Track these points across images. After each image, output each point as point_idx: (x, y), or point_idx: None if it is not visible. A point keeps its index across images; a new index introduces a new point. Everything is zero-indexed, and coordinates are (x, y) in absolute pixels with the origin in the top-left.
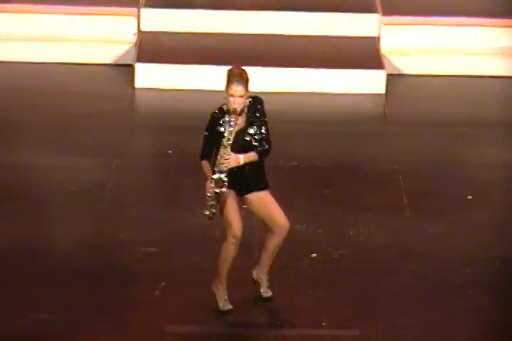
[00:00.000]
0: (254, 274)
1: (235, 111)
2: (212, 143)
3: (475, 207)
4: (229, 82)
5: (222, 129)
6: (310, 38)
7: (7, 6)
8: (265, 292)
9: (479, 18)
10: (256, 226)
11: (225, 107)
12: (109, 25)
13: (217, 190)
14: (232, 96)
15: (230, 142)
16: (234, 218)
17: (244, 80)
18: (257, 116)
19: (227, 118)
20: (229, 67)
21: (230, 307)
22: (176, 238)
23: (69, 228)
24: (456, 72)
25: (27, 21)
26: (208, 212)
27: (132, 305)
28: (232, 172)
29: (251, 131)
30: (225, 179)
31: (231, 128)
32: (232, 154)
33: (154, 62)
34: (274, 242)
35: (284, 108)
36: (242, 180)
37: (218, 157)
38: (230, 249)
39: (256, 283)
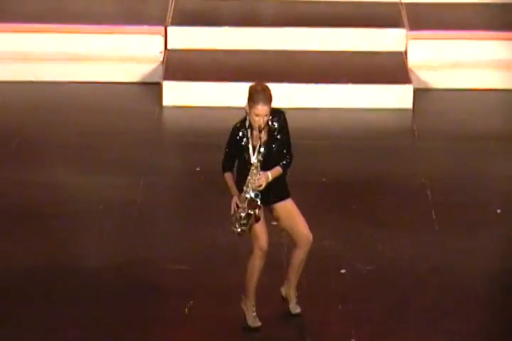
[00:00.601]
0: (283, 291)
1: (260, 128)
2: (234, 156)
3: (504, 221)
4: (253, 101)
5: (244, 143)
6: (337, 53)
7: (33, 25)
8: (294, 308)
9: (506, 32)
10: (284, 243)
11: (247, 123)
12: (136, 44)
13: (250, 212)
14: (257, 115)
15: (259, 164)
16: (261, 231)
17: (269, 98)
18: (280, 130)
19: (248, 134)
20: (251, 84)
21: (259, 323)
22: (205, 255)
23: (98, 246)
24: (484, 86)
25: (54, 41)
26: (239, 229)
27: (161, 323)
28: None
29: (274, 145)
30: (258, 201)
31: (261, 149)
32: (262, 173)
33: (181, 79)
34: (298, 256)
35: (311, 124)
36: (266, 191)
37: (249, 177)
38: (256, 262)
39: (285, 300)
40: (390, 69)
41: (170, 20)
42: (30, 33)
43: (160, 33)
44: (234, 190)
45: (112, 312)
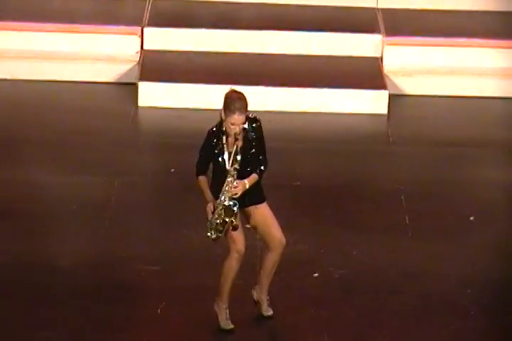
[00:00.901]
0: (255, 294)
1: (235, 136)
2: (208, 160)
3: (477, 228)
4: (229, 110)
5: (219, 148)
6: (313, 57)
7: (9, 23)
8: (266, 310)
9: (482, 39)
10: (258, 246)
11: (222, 128)
12: (113, 44)
13: (226, 219)
14: (233, 124)
15: (235, 172)
16: (238, 234)
17: (245, 107)
18: (255, 137)
19: (224, 140)
20: (226, 90)
21: (231, 326)
22: (179, 256)
23: (71, 246)
24: (459, 93)
25: (30, 39)
26: (214, 236)
27: (134, 324)
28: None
29: (250, 152)
30: (236, 209)
31: (238, 157)
32: (238, 182)
33: (157, 80)
34: (270, 259)
35: (286, 127)
36: (242, 195)
37: (225, 185)
38: (232, 264)
39: (257, 304)
40: (366, 74)
41: (147, 21)
42: (7, 31)
43: (136, 34)
44: (208, 195)
45: (84, 312)
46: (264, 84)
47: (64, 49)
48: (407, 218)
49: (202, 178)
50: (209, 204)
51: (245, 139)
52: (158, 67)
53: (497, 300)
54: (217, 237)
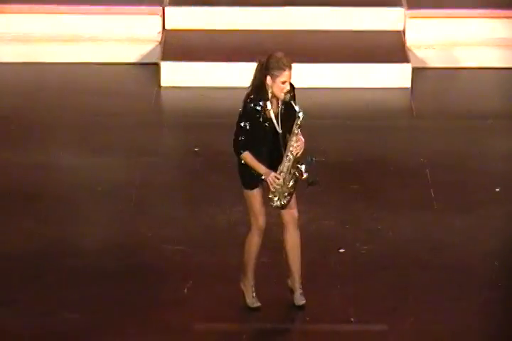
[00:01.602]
0: (289, 282)
1: (286, 95)
2: (251, 134)
3: (503, 200)
4: (279, 68)
5: (264, 115)
6: (335, 33)
7: (32, 6)
8: (298, 299)
9: (504, 10)
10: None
11: (262, 95)
12: (134, 24)
13: (302, 174)
14: (284, 82)
15: (299, 129)
16: (260, 210)
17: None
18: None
19: (268, 106)
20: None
21: (258, 304)
22: (204, 236)
23: (96, 227)
24: (482, 65)
25: (51, 22)
26: (284, 202)
27: (160, 304)
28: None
29: (290, 113)
30: (302, 166)
31: (300, 114)
32: (301, 138)
33: (179, 60)
34: (288, 238)
35: (310, 103)
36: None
37: (289, 147)
38: (254, 240)
39: (291, 291)
40: (389, 48)
41: (168, 0)
42: (29, 14)
43: (158, 13)
44: (262, 167)
45: (111, 294)
46: None
47: (85, 31)
48: (432, 191)
49: (248, 153)
50: (272, 174)
51: (283, 102)
52: (180, 46)
53: None
54: (287, 202)
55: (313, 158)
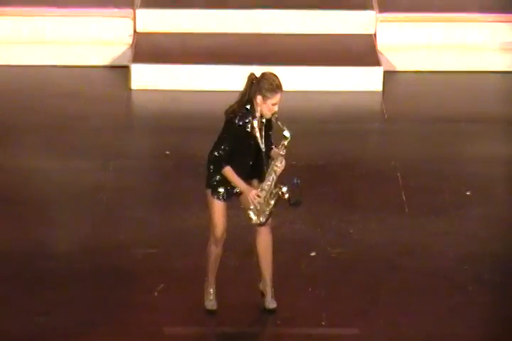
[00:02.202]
0: (260, 286)
1: (274, 115)
2: (232, 149)
3: (474, 203)
4: (271, 90)
5: (251, 132)
6: (306, 36)
7: (2, 9)
8: (269, 303)
9: (474, 14)
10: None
11: (249, 112)
12: (105, 27)
13: (284, 194)
14: (275, 104)
15: (285, 149)
16: (219, 220)
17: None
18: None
19: (254, 124)
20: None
21: (214, 307)
22: (175, 239)
23: (67, 230)
24: (453, 68)
25: (21, 24)
26: (263, 220)
27: (131, 306)
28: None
29: (270, 131)
30: (283, 187)
31: (287, 133)
32: (282, 160)
33: (150, 62)
34: (260, 242)
35: (281, 106)
36: (246, 172)
37: (273, 166)
38: (210, 249)
39: (262, 295)
40: (360, 51)
41: (139, 3)
42: None
43: (129, 16)
44: (243, 183)
45: (82, 297)
46: (257, 63)
47: (55, 33)
48: (403, 195)
49: (229, 168)
50: (253, 192)
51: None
52: (152, 49)
53: (495, 275)
54: (266, 220)
55: (298, 181)
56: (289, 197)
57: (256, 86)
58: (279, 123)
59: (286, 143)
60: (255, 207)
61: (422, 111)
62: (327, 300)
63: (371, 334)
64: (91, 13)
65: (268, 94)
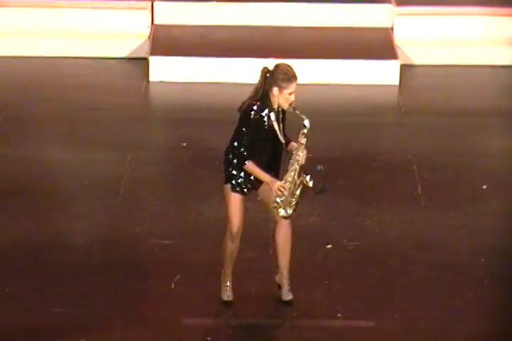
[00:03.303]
0: (277, 278)
1: (291, 105)
2: (253, 143)
3: (490, 197)
4: (287, 80)
5: (269, 125)
6: (323, 29)
7: (23, 0)
8: (285, 295)
9: (493, 8)
10: (270, 219)
11: (266, 104)
12: (123, 19)
13: (308, 183)
14: (291, 93)
15: (305, 139)
16: (235, 215)
17: None
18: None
19: (272, 117)
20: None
21: (231, 298)
22: (191, 230)
23: (84, 222)
24: (470, 62)
25: (41, 16)
26: (290, 211)
27: (148, 298)
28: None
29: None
30: (307, 176)
31: (306, 123)
32: (304, 149)
33: (168, 55)
34: (279, 234)
35: (297, 99)
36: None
37: (296, 157)
38: (227, 244)
39: (279, 287)
40: (377, 45)
41: None
42: (17, 8)
43: (147, 8)
44: (267, 176)
45: (98, 289)
46: (274, 56)
47: (74, 25)
48: (419, 188)
49: (251, 162)
50: (278, 184)
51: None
52: (169, 41)
53: (510, 268)
54: (294, 211)
55: (322, 167)
56: (313, 185)
57: (270, 78)
58: (297, 112)
59: (306, 131)
60: (280, 199)
61: (438, 105)
62: (343, 293)
63: (386, 328)
64: (110, 5)
65: (284, 84)
